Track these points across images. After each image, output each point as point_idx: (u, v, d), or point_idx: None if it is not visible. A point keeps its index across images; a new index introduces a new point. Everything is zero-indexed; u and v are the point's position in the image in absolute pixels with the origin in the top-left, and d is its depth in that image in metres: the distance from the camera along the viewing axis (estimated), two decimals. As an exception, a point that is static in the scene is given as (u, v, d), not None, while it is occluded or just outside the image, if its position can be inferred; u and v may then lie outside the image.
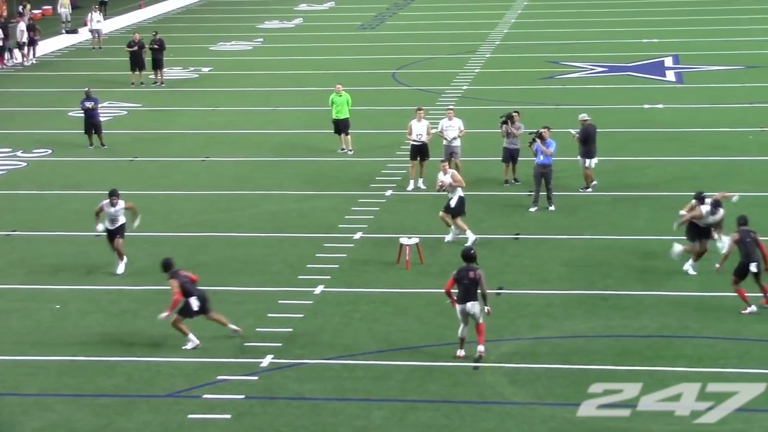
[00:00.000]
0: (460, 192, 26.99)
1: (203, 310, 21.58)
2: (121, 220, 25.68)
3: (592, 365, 20.26)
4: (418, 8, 70.18)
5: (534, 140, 29.56)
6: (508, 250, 26.68)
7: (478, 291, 20.41)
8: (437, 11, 68.24)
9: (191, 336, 21.47)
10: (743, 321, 21.96)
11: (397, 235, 26.69)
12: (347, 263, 25.98)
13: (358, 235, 27.82)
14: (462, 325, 20.52)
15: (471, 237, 26.52)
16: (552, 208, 29.39)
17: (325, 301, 23.79)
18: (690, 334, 21.48)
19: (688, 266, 24.46)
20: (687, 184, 31.31)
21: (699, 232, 24.55)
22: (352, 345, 21.53)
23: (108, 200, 25.56)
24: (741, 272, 22.31)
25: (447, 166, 27.43)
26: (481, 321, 20.39)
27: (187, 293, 21.39)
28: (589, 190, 30.90)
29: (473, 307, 20.36)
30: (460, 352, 20.54)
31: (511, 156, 31.58)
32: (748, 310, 22.25)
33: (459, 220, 26.87)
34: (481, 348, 20.32)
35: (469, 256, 20.80)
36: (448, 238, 27.11)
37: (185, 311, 21.40)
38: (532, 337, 21.71)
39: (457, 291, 20.55)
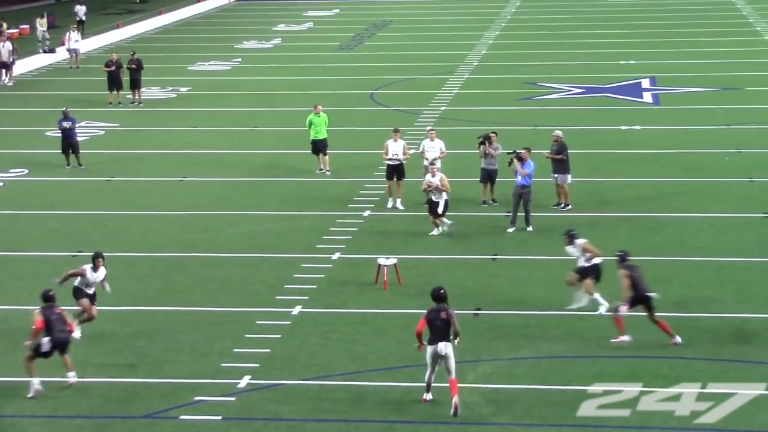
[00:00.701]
0: (446, 196, 28.35)
1: (59, 351, 20.59)
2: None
3: (569, 386, 20.27)
4: (397, 29, 70.37)
5: (512, 160, 29.67)
6: (486, 271, 26.71)
7: (450, 330, 19.55)
8: (416, 32, 68.43)
9: (34, 381, 20.40)
10: (719, 342, 22.01)
11: (375, 255, 26.69)
12: (325, 284, 25.96)
13: (336, 256, 27.81)
14: (429, 370, 19.62)
15: (447, 222, 28.90)
16: (530, 228, 29.45)
17: (303, 321, 23.75)
18: (667, 354, 21.52)
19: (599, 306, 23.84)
20: (664, 205, 31.51)
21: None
22: (329, 366, 21.49)
23: (91, 264, 23.17)
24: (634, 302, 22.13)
25: (435, 169, 28.62)
26: (453, 376, 19.35)
27: (48, 331, 20.39)
28: (569, 207, 31.02)
29: (446, 347, 19.39)
30: (427, 396, 19.72)
31: (489, 176, 31.65)
32: (620, 339, 22.06)
33: (444, 219, 28.51)
34: (456, 400, 19.18)
35: (438, 296, 19.86)
36: (436, 232, 28.97)
37: (37, 348, 20.48)
38: (509, 357, 21.72)
39: (429, 333, 19.77)
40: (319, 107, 35.74)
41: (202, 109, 46.87)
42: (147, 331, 23.30)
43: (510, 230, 29.47)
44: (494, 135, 31.81)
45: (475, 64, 56.06)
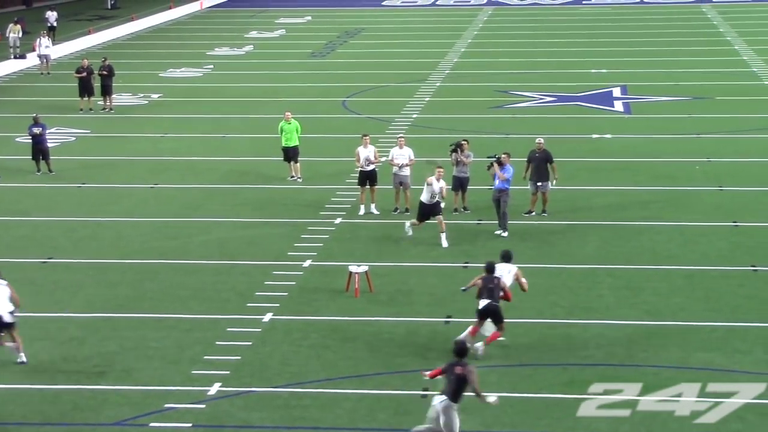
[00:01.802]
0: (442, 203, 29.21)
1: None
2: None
3: (539, 393, 20.33)
4: (369, 37, 70.40)
5: (492, 164, 29.84)
6: (457, 278, 26.73)
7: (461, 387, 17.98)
8: (388, 40, 68.49)
9: None
10: (688, 350, 22.11)
11: (347, 263, 26.68)
12: (296, 291, 25.93)
13: (307, 263, 27.78)
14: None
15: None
16: (505, 234, 29.55)
17: (274, 328, 23.72)
18: (637, 362, 21.59)
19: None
20: (636, 213, 31.64)
21: None
22: (300, 373, 21.47)
23: None
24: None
25: (442, 172, 29.12)
26: None
27: None
28: (545, 214, 31.17)
29: (440, 405, 17.74)
30: None
31: (460, 184, 31.71)
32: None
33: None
34: None
35: (460, 350, 18.20)
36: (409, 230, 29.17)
37: None
38: (480, 365, 21.72)
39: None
40: (289, 114, 35.73)
41: (174, 116, 46.75)
42: (117, 338, 23.21)
43: (498, 232, 29.82)
44: (466, 143, 31.88)
45: (447, 72, 56.15)
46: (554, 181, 31.56)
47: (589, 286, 26.17)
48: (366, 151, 31.97)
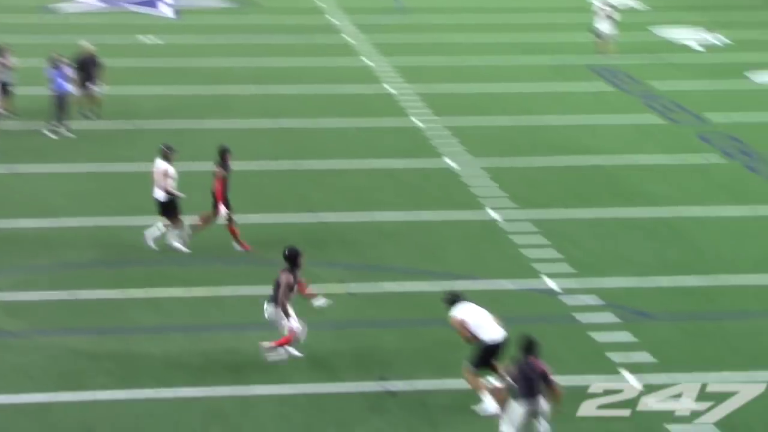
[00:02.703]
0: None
1: None
2: None
3: (89, 292, 20.56)
4: None
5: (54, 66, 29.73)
6: (4, 182, 26.38)
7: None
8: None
9: None
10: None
11: None
12: None
13: None
14: None
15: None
16: (69, 133, 29.85)
17: None
18: (183, 259, 22.27)
19: None
20: (183, 114, 32.25)
21: None
22: None
23: None
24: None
25: None
26: None
27: None
28: (92, 116, 31.23)
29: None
30: None
31: (2, 87, 31.02)
32: None
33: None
34: None
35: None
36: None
37: None
38: (28, 267, 21.72)
39: None
40: None
41: None
42: None
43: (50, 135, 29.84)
44: (7, 47, 31.30)
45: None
46: (103, 85, 31.52)
47: (139, 186, 26.51)
48: None
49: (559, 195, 26.26)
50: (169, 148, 22.78)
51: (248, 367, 17.78)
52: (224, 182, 22.36)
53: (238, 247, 22.61)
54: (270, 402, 16.77)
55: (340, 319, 19.53)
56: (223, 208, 22.32)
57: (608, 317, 19.81)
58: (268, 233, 23.35)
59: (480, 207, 25.23)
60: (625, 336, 19.04)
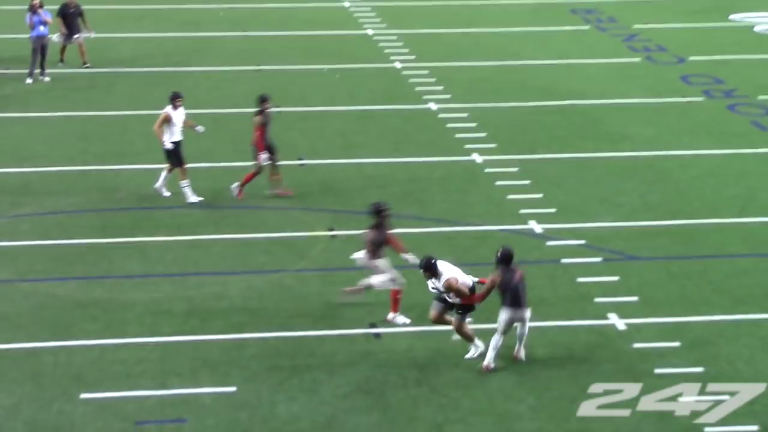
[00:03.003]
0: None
1: None
2: None
3: (73, 240, 20.52)
4: None
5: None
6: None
7: None
8: None
9: None
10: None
11: None
12: None
13: None
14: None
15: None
16: (47, 79, 29.76)
17: None
18: (168, 204, 22.23)
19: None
20: (162, 60, 32.05)
21: None
22: None
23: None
24: None
25: None
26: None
27: None
28: (88, 66, 31.02)
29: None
30: None
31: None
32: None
33: None
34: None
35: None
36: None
37: None
38: (11, 215, 21.64)
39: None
40: None
41: None
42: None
43: (28, 81, 29.57)
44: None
45: None
46: (92, 32, 31.28)
47: (120, 132, 26.43)
48: None
49: (542, 138, 26.25)
50: (175, 95, 22.32)
51: (235, 313, 17.80)
52: (263, 130, 22.18)
53: (276, 191, 22.50)
54: (257, 346, 16.79)
55: (327, 264, 19.56)
56: (263, 155, 22.20)
57: (593, 259, 19.89)
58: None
59: (463, 151, 25.21)
60: (610, 278, 19.12)
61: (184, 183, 22.12)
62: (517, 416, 15.16)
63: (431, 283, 16.46)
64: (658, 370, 16.24)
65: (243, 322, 17.50)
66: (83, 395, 15.40)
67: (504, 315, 16.19)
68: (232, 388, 15.66)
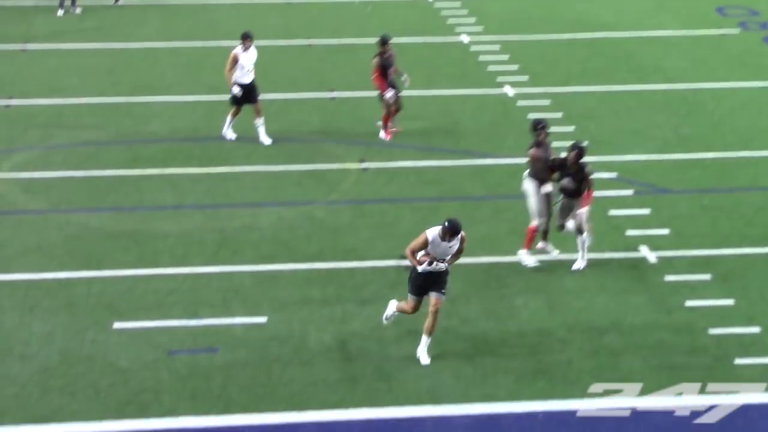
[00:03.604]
0: None
1: None
2: None
3: (105, 171, 20.59)
4: None
5: None
6: (17, 61, 26.27)
7: None
8: None
9: None
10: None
11: None
12: None
13: None
14: None
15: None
16: (78, 11, 29.76)
17: None
18: (199, 137, 22.24)
19: None
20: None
21: None
22: None
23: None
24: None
25: None
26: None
27: None
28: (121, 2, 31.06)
29: None
30: None
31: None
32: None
33: None
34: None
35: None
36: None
37: None
38: (44, 146, 21.72)
39: None
40: None
41: None
42: None
43: (59, 13, 29.62)
44: None
45: None
46: None
47: (151, 64, 26.42)
48: None
49: (574, 71, 26.07)
50: (245, 36, 21.82)
51: (266, 244, 17.86)
52: (381, 70, 21.95)
53: (396, 129, 22.37)
54: (288, 277, 16.86)
55: (358, 197, 19.58)
56: (387, 93, 21.97)
57: (624, 192, 19.81)
58: (284, 111, 23.28)
59: (495, 84, 25.07)
60: (642, 211, 19.06)
61: (259, 122, 21.84)
62: (548, 348, 15.22)
63: (445, 244, 14.77)
64: (689, 303, 16.25)
65: (274, 254, 17.56)
66: (116, 325, 15.54)
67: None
68: (263, 319, 15.76)
